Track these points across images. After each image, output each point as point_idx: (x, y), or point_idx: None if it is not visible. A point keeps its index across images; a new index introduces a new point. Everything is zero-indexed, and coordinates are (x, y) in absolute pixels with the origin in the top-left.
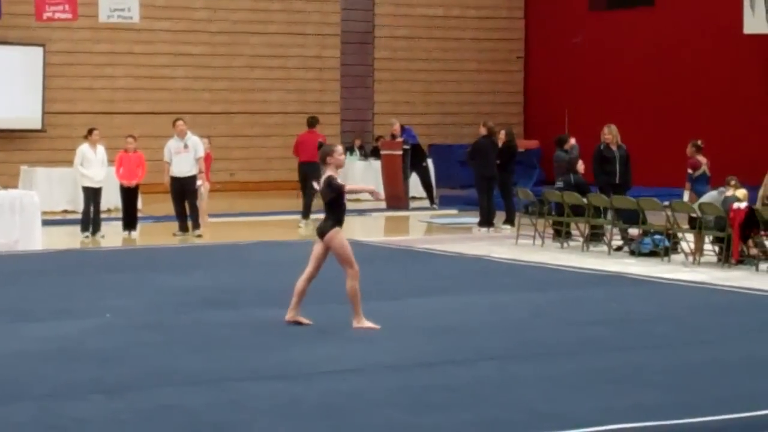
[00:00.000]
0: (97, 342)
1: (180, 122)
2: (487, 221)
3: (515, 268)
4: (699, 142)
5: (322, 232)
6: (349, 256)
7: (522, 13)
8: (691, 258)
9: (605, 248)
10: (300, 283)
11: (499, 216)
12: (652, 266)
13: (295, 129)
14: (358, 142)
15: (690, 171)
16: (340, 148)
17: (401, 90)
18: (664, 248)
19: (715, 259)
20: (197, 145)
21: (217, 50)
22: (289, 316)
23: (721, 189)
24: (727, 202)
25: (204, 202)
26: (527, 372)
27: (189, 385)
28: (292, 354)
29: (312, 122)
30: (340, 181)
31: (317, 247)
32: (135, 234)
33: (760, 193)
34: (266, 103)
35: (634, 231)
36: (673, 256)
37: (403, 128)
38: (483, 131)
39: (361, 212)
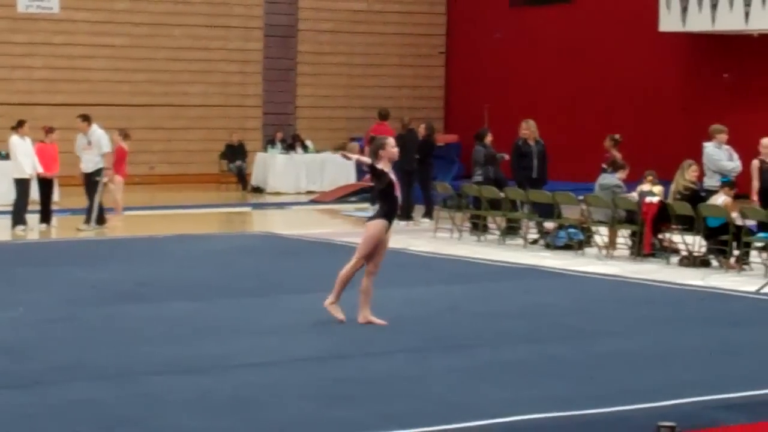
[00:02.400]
0: (8, 336)
1: (77, 119)
2: (405, 215)
3: (433, 261)
4: (617, 137)
5: (369, 220)
6: (368, 249)
7: (444, 8)
8: (604, 251)
9: (521, 241)
10: (362, 282)
11: (418, 209)
12: (566, 259)
13: (217, 122)
14: (279, 136)
15: (604, 165)
16: (392, 141)
17: (324, 84)
18: (578, 241)
19: (627, 252)
20: (101, 140)
21: (139, 42)
22: (361, 317)
23: (604, 180)
24: (642, 196)
25: (119, 195)
26: (440, 364)
27: (100, 380)
28: (205, 347)
29: (384, 115)
30: (392, 176)
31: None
32: (50, 227)
33: (672, 187)
34: (187, 96)
35: (549, 224)
36: (587, 249)
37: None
38: (402, 126)
39: (281, 205)
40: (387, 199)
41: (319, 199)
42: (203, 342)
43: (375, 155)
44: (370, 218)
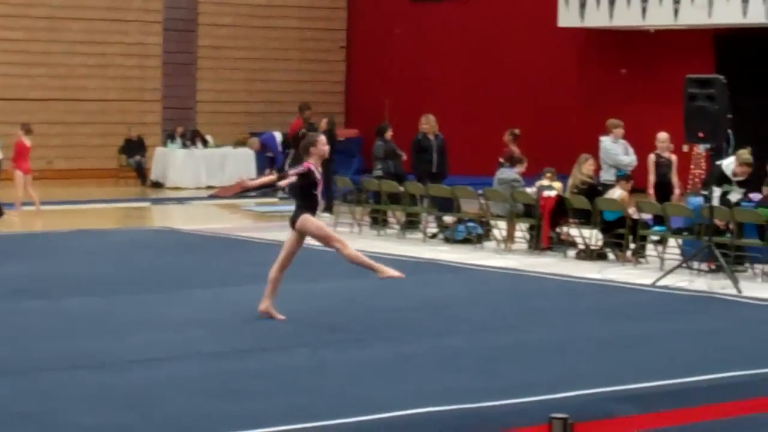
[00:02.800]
0: None
1: None
2: None
3: (331, 256)
4: (516, 131)
5: (293, 221)
6: (328, 234)
7: (345, 3)
8: (502, 245)
9: (420, 235)
10: (273, 271)
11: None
12: (465, 253)
13: (116, 117)
14: (180, 130)
15: (502, 160)
16: (323, 138)
17: (224, 78)
18: (477, 235)
19: (525, 245)
20: None
21: (36, 36)
22: (263, 306)
23: (502, 174)
24: (540, 190)
25: (19, 191)
26: (339, 358)
27: None
28: (104, 343)
29: (305, 109)
30: (317, 175)
31: (290, 236)
32: None
33: (569, 182)
34: (86, 90)
35: (448, 219)
36: (486, 243)
37: (263, 142)
38: (303, 121)
39: (180, 200)
40: (310, 195)
41: (216, 194)
42: (101, 338)
43: (306, 152)
44: (295, 220)
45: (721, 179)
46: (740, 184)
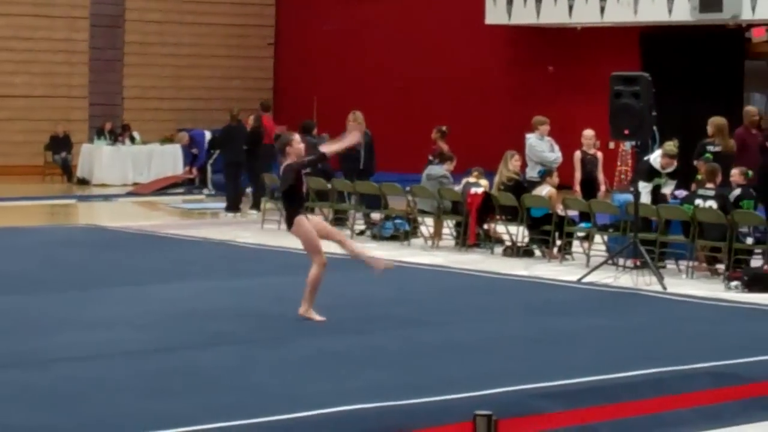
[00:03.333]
0: None
1: None
2: (233, 206)
3: (260, 253)
4: (444, 128)
5: (289, 224)
6: (316, 246)
7: (273, 0)
8: (430, 241)
9: (348, 232)
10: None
11: (246, 201)
12: (392, 250)
13: (42, 113)
14: (108, 126)
15: (431, 157)
16: (297, 137)
17: (151, 74)
18: (405, 232)
19: (453, 242)
20: None
21: None
22: (302, 309)
23: (431, 171)
24: (467, 187)
25: None
26: (266, 356)
27: None
28: (27, 342)
29: (267, 107)
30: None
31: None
32: None
33: (496, 179)
34: (11, 87)
35: (376, 215)
36: (413, 240)
37: (192, 137)
38: (231, 117)
39: (107, 197)
40: (297, 195)
41: (138, 190)
42: (25, 336)
43: (282, 153)
44: (289, 223)
45: (651, 173)
46: (672, 176)
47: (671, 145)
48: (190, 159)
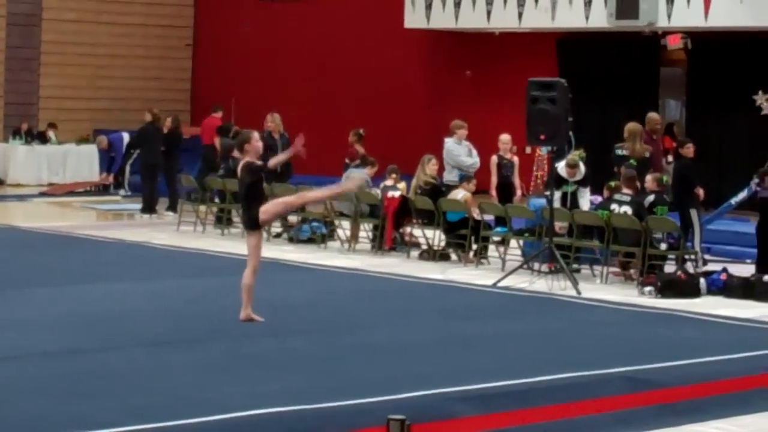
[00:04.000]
0: None
1: None
2: (149, 207)
3: (175, 255)
4: (361, 131)
5: (253, 222)
6: (289, 201)
7: (192, 0)
8: (347, 245)
9: (265, 235)
10: (246, 278)
11: (162, 202)
12: (309, 253)
13: None
14: (25, 126)
15: (347, 160)
16: (257, 134)
17: (68, 74)
18: (322, 235)
19: (369, 246)
20: None
21: None
22: (243, 315)
23: (351, 174)
24: (384, 191)
25: None
26: (179, 358)
27: None
28: None
29: (218, 108)
30: (259, 163)
31: (252, 239)
32: None
33: (413, 182)
34: None
35: (293, 218)
36: (330, 243)
37: (110, 141)
38: (148, 118)
39: (21, 197)
40: (253, 197)
41: (52, 191)
42: None
43: (241, 150)
44: (254, 220)
45: (559, 181)
46: (582, 183)
47: (575, 155)
48: (107, 164)
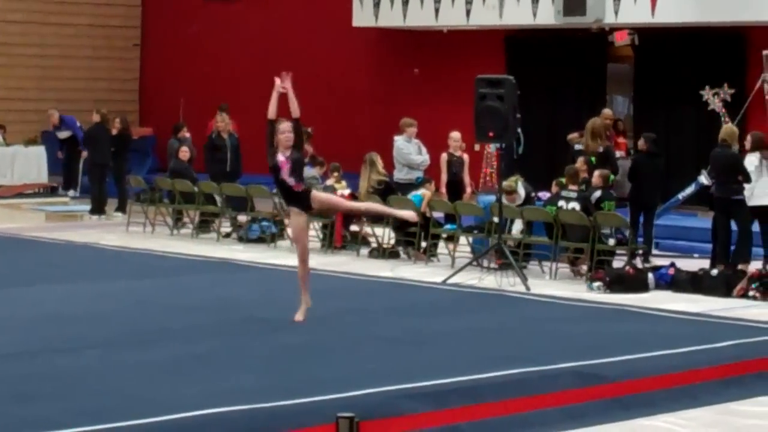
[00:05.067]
0: None
1: None
2: (98, 208)
3: (124, 256)
4: (309, 130)
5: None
6: (295, 239)
7: (139, 1)
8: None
9: (215, 235)
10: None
11: (112, 203)
12: (259, 252)
13: None
14: None
15: None
16: (287, 125)
17: (16, 76)
18: (271, 234)
19: (319, 244)
20: None
21: None
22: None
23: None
24: (329, 189)
25: None
26: (129, 359)
27: None
28: None
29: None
30: (279, 157)
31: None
32: None
33: (363, 182)
34: None
35: (242, 218)
36: (280, 242)
37: (62, 118)
38: (96, 118)
39: None
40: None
41: (0, 193)
42: None
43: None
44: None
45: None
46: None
47: (511, 182)
48: (59, 145)
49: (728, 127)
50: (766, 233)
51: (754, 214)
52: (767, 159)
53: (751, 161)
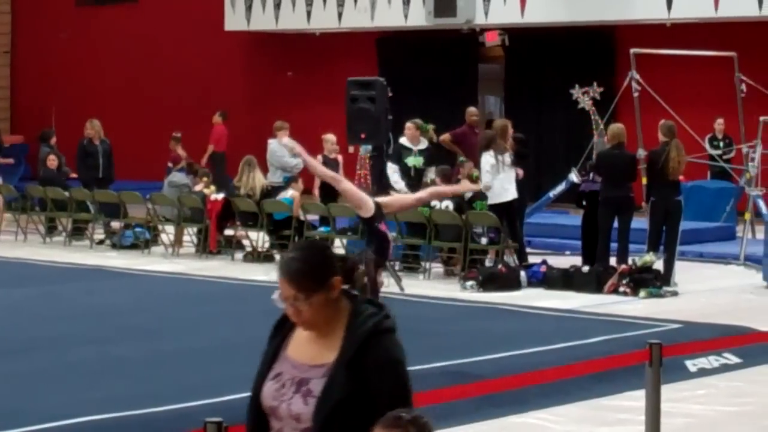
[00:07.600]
0: None
1: None
2: None
3: None
4: (178, 135)
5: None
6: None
7: (8, 7)
8: (171, 249)
9: (88, 242)
10: None
11: None
12: (132, 258)
13: None
14: None
15: (170, 164)
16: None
17: None
18: (145, 240)
19: (194, 250)
20: None
21: None
22: None
23: (174, 178)
24: (200, 195)
25: None
26: (0, 368)
27: None
28: None
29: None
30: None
31: None
32: None
33: (242, 185)
34: None
35: (116, 224)
36: (154, 248)
37: None
38: None
39: None
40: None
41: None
42: None
43: None
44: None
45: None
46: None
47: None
48: None
49: (619, 128)
50: (622, 230)
51: (495, 211)
52: (502, 155)
53: (487, 160)
